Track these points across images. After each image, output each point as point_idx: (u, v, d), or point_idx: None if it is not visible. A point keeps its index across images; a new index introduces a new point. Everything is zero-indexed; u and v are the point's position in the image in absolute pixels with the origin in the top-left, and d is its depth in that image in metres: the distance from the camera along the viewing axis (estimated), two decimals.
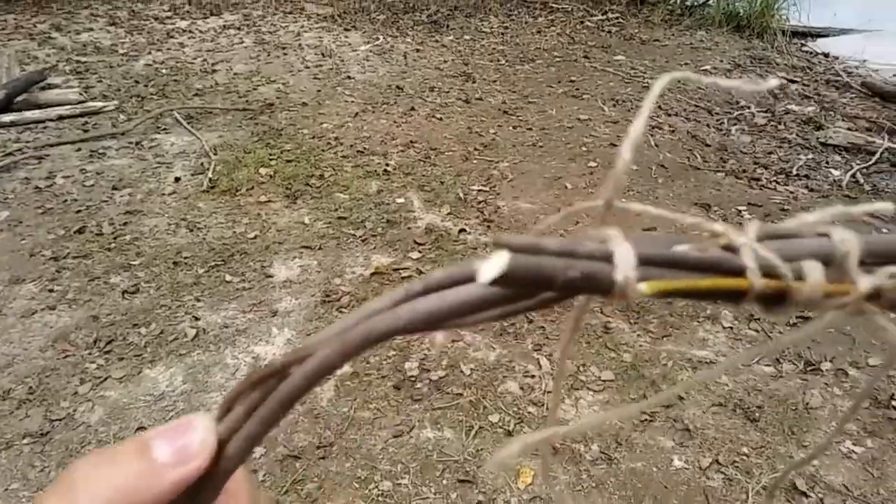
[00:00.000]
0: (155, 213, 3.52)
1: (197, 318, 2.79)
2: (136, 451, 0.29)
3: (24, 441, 2.18)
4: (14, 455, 2.14)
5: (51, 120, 4.47)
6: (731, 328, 2.97)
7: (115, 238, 3.29)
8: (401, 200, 3.81)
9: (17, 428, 2.23)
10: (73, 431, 2.26)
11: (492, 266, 0.23)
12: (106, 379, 2.46)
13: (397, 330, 0.25)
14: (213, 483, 0.29)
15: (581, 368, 2.68)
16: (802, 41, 7.73)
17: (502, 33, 6.99)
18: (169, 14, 6.81)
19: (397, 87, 5.41)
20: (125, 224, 3.40)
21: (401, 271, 3.20)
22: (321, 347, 0.26)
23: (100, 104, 4.66)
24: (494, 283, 0.23)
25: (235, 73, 5.44)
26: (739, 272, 0.25)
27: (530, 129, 4.91)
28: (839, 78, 6.62)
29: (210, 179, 3.82)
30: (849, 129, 5.49)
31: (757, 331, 2.96)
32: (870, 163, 4.88)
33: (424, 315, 0.24)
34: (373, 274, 3.16)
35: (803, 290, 0.25)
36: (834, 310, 0.26)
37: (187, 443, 0.29)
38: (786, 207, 4.07)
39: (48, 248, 3.19)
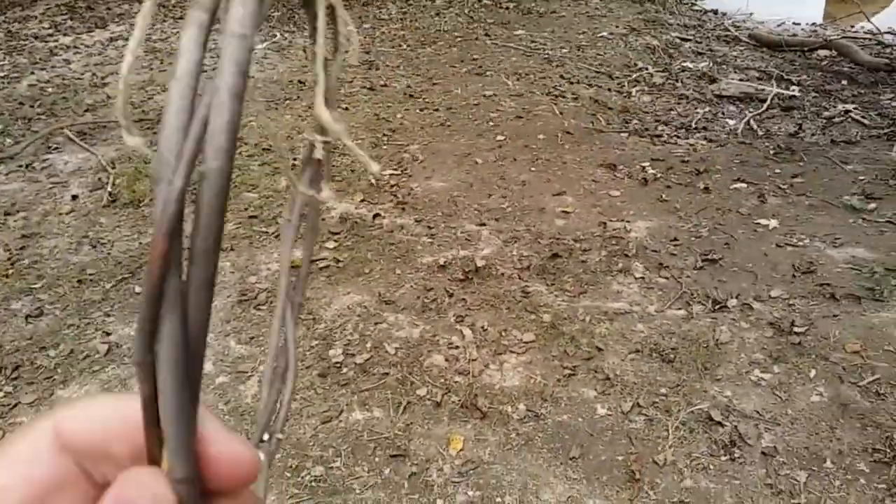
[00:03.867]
0: (54, 234, 3.37)
1: (108, 334, 2.70)
2: None
3: None
4: None
5: None
6: (643, 278, 3.08)
7: (12, 264, 3.13)
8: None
9: None
10: None
11: None
12: (16, 405, 2.36)
13: None
14: None
15: (503, 333, 2.73)
16: (692, 0, 8.02)
17: (401, 19, 6.98)
18: (50, 31, 6.50)
19: (299, 81, 5.33)
20: (22, 248, 3.25)
21: (318, 262, 3.17)
22: None
23: None
24: None
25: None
26: None
27: (437, 109, 4.93)
28: (729, 32, 6.91)
29: (110, 193, 3.68)
30: (741, 80, 5.75)
31: (667, 278, 3.08)
32: (761, 110, 5.12)
33: None
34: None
35: None
36: None
37: None
38: (686, 159, 4.24)
39: None
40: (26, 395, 2.40)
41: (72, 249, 3.25)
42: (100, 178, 3.86)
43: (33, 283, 3.00)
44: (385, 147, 4.35)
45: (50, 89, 5.14)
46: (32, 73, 5.47)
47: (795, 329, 2.72)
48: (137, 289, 2.97)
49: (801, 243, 3.31)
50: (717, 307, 2.87)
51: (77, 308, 2.85)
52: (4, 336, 2.70)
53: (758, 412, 2.35)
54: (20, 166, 4.01)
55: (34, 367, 2.54)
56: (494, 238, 3.38)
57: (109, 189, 3.70)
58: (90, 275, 3.06)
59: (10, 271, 3.09)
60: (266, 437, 0.39)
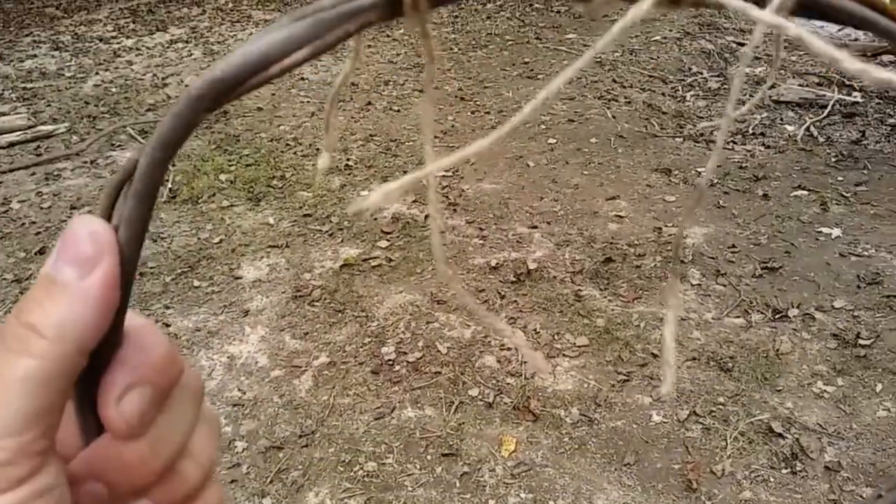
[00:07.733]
0: None
1: (167, 325, 2.77)
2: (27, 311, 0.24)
3: None
4: None
5: (1, 147, 4.38)
6: (700, 285, 3.02)
7: None
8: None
9: None
10: None
11: None
12: None
13: (218, 79, 0.23)
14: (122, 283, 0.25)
15: (556, 336, 2.71)
16: None
17: (453, 22, 7.01)
18: (114, 34, 6.72)
19: (352, 83, 5.40)
20: None
21: (370, 260, 3.20)
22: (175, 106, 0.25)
23: (50, 127, 4.58)
24: None
25: (187, 85, 5.38)
26: None
27: (488, 112, 4.93)
28: (787, 37, 6.73)
29: (170, 190, 3.78)
30: (800, 85, 5.60)
31: (724, 285, 3.02)
32: (822, 116, 4.98)
33: (238, 62, 0.23)
34: (342, 266, 3.16)
35: None
36: None
37: (81, 249, 0.24)
38: (744, 165, 4.14)
39: (9, 271, 3.13)
40: None
41: None
42: None
43: None
44: (436, 149, 4.34)
45: (113, 89, 5.31)
46: (97, 73, 5.66)
47: (861, 341, 2.62)
48: (196, 282, 3.04)
49: (865, 253, 3.20)
50: (777, 316, 2.79)
51: (138, 299, 2.94)
52: None
53: (821, 425, 2.28)
54: (85, 162, 4.16)
55: None
56: (546, 241, 3.35)
57: (170, 185, 3.80)
58: (151, 268, 3.15)
59: None
60: None
